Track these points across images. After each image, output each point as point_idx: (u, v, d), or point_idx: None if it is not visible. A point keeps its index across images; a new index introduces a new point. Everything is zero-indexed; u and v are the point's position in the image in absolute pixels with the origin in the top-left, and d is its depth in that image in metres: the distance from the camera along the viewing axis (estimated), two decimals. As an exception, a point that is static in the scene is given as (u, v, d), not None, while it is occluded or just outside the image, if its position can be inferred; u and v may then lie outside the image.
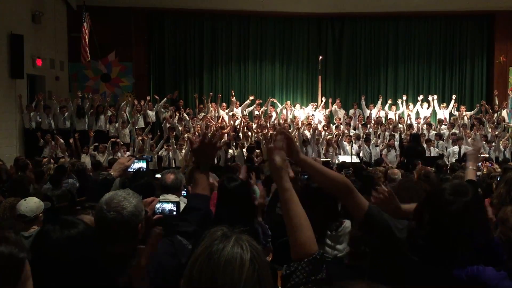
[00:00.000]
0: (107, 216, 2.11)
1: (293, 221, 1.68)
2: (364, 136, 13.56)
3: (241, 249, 1.27)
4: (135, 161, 3.68)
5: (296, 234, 1.66)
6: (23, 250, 1.03)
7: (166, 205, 2.79)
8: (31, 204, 4.11)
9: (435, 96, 15.77)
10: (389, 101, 15.89)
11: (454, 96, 15.83)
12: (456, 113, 15.29)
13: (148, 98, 15.00)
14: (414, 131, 13.56)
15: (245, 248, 1.28)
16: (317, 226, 3.26)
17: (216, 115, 15.03)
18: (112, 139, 12.92)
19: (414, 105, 15.81)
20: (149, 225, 2.29)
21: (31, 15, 13.34)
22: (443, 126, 14.67)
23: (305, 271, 1.59)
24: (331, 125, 14.86)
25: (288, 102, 15.85)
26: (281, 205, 1.76)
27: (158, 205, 2.74)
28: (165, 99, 15.19)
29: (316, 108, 15.62)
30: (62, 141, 12.54)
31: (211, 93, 15.85)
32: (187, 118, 14.54)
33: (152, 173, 3.81)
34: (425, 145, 13.03)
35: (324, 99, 15.70)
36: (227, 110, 15.31)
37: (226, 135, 13.88)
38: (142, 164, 3.74)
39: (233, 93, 15.85)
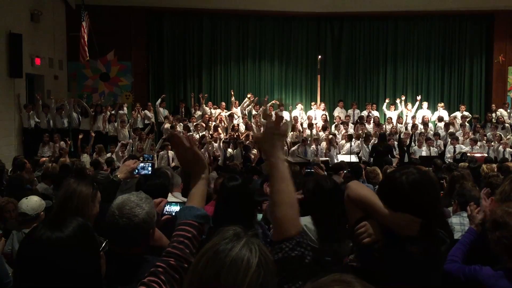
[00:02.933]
0: (119, 222, 2.11)
1: (274, 197, 1.60)
2: (364, 135, 13.59)
3: (250, 252, 1.24)
4: (141, 164, 3.68)
5: (275, 211, 1.58)
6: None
7: (174, 207, 2.80)
8: (32, 202, 4.11)
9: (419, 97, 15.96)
10: (387, 100, 15.95)
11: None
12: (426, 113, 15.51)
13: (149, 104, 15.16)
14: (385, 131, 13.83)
15: (254, 252, 1.25)
16: (328, 226, 3.23)
17: (211, 113, 15.13)
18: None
19: (413, 105, 15.86)
20: (158, 226, 2.29)
21: (30, 14, 13.32)
22: (439, 124, 14.76)
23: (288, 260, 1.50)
24: (331, 124, 14.94)
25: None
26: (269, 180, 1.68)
27: (167, 208, 2.74)
28: (160, 99, 15.28)
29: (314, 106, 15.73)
30: (63, 143, 12.54)
31: (206, 95, 15.87)
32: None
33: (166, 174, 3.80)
34: (425, 145, 13.12)
35: (322, 103, 15.80)
36: (226, 110, 15.40)
37: (224, 134, 13.95)
38: (148, 163, 3.73)
39: (233, 93, 15.89)
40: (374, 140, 13.45)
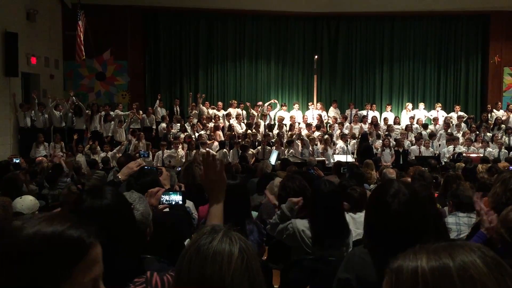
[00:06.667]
0: None
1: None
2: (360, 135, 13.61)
3: (230, 241, 1.30)
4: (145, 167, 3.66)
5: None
6: (91, 235, 1.08)
7: (173, 196, 2.79)
8: (27, 201, 4.13)
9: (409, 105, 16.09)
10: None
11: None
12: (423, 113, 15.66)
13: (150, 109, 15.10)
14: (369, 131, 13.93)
15: (234, 240, 1.31)
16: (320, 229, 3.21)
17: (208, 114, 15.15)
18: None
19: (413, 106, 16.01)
20: (157, 214, 2.30)
21: (25, 13, 13.29)
22: (437, 126, 14.81)
23: None
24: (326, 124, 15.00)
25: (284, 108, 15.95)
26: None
27: (165, 197, 2.73)
28: (157, 100, 15.30)
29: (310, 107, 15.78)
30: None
31: (203, 95, 15.86)
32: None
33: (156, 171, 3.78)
34: (423, 146, 13.17)
35: (319, 104, 15.85)
36: (223, 110, 15.42)
37: (221, 134, 13.95)
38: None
39: (235, 101, 15.81)
40: (371, 141, 13.49)
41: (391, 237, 1.89)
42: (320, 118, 15.06)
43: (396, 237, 1.87)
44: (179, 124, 14.21)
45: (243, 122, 14.99)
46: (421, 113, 15.68)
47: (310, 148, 13.17)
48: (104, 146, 12.58)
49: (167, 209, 2.84)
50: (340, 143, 13.36)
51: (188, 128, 14.07)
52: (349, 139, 13.52)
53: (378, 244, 1.97)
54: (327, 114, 15.92)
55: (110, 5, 15.45)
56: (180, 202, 2.81)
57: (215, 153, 12.08)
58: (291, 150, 12.80)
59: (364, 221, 2.11)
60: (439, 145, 13.70)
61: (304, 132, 14.22)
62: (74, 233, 1.05)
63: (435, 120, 15.07)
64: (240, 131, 14.35)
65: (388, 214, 1.93)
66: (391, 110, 16.01)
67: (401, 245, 1.89)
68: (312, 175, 6.34)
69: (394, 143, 13.36)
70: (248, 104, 15.66)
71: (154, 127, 14.77)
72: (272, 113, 15.55)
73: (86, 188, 3.51)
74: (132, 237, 1.71)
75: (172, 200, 2.78)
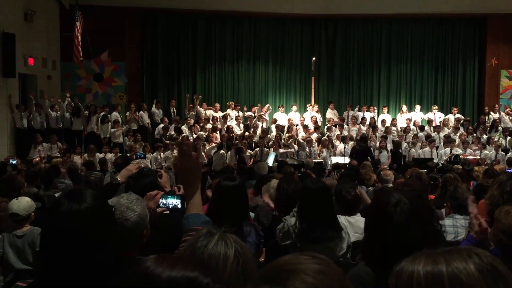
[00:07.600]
0: None
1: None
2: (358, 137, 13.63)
3: (225, 244, 1.31)
4: (145, 169, 3.65)
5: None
6: (207, 275, 1.10)
7: (171, 199, 2.77)
8: (23, 203, 4.11)
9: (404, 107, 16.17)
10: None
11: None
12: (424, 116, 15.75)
13: (144, 105, 15.19)
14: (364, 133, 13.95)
15: (230, 243, 1.32)
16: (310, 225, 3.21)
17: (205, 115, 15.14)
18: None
19: (408, 107, 16.00)
20: (155, 218, 2.30)
21: (23, 14, 13.25)
22: (431, 128, 14.84)
23: None
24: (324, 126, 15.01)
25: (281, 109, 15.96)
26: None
27: (163, 200, 2.72)
28: (154, 105, 15.31)
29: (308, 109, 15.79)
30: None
31: (200, 96, 15.84)
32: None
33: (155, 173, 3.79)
34: (428, 148, 13.18)
35: (316, 105, 15.86)
36: (220, 112, 15.41)
37: (218, 136, 13.94)
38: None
39: (233, 104, 15.81)
40: (368, 142, 13.50)
41: (391, 248, 1.87)
42: (315, 119, 15.07)
43: (397, 249, 1.85)
44: (174, 126, 14.20)
45: (242, 124, 15.01)
46: (418, 115, 15.72)
47: (307, 150, 13.17)
48: (103, 148, 12.56)
49: (167, 212, 2.83)
50: (341, 145, 13.37)
51: (186, 130, 14.05)
52: (347, 141, 13.53)
53: (377, 255, 1.94)
54: (323, 115, 15.93)
55: (108, 6, 15.42)
56: (179, 206, 2.78)
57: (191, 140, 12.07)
58: (281, 151, 12.82)
59: (364, 232, 2.08)
60: (436, 147, 13.73)
61: (302, 134, 14.22)
62: (204, 280, 1.08)
63: (430, 122, 15.11)
64: (239, 132, 14.37)
65: (391, 225, 1.87)
66: (388, 112, 16.04)
67: (400, 257, 1.88)
68: (308, 175, 6.37)
69: (391, 145, 13.38)
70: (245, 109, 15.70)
71: (147, 121, 14.80)
72: (267, 114, 15.55)
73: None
74: (111, 241, 1.66)
75: (169, 204, 2.76)
